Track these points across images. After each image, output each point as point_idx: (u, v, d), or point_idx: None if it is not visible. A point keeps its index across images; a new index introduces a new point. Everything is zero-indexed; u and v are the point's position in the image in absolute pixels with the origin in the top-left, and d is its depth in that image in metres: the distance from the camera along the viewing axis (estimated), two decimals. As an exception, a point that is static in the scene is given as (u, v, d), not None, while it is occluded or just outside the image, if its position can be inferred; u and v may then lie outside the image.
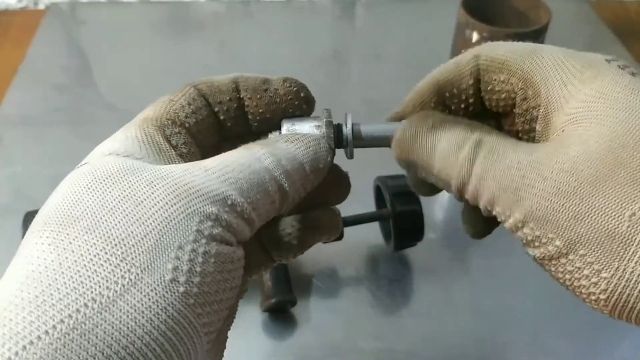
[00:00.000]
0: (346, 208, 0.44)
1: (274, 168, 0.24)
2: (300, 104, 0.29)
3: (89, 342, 0.19)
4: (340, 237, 0.43)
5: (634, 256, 0.22)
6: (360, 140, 0.28)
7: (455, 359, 0.41)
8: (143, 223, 0.21)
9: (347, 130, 0.28)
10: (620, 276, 0.23)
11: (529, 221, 0.24)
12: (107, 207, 0.22)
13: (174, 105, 0.28)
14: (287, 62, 0.68)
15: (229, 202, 0.23)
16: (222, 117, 0.29)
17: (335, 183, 0.29)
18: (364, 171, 0.54)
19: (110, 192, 0.22)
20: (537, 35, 0.48)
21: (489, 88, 0.27)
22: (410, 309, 0.44)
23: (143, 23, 0.75)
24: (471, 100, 0.28)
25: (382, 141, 0.27)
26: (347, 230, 0.43)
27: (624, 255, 0.23)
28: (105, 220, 0.21)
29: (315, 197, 0.28)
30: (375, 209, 0.47)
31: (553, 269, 0.24)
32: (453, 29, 0.51)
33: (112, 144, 0.25)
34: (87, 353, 0.19)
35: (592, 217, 0.23)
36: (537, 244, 0.24)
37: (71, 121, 0.59)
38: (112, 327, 0.19)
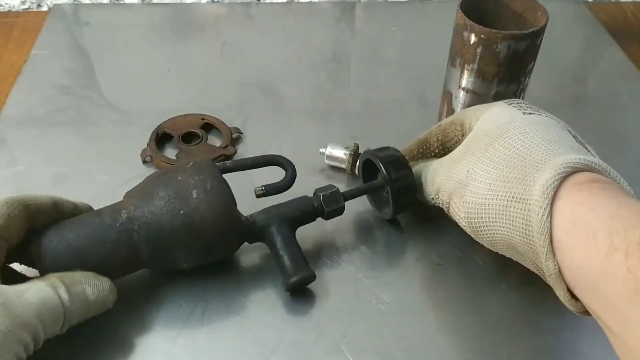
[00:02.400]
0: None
1: (70, 313, 0.36)
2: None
3: None
4: (341, 211, 0.46)
5: (469, 193, 0.39)
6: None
7: (453, 356, 0.42)
8: None
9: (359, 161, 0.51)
10: (465, 205, 0.40)
11: (439, 191, 0.43)
12: None
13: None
14: (287, 64, 0.69)
15: (36, 334, 0.34)
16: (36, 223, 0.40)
17: None
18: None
19: None
20: (535, 37, 0.49)
21: (447, 138, 0.47)
22: (409, 306, 0.45)
23: (145, 25, 0.75)
24: (436, 145, 0.48)
25: None
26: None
27: (464, 193, 0.40)
28: None
29: None
30: (363, 182, 0.51)
31: (450, 215, 0.43)
32: (451, 31, 0.52)
33: None
34: None
35: (452, 176, 0.41)
36: (444, 203, 0.43)
37: (74, 122, 0.60)
38: None
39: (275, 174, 0.47)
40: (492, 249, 0.41)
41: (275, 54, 0.70)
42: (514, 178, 0.36)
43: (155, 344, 0.42)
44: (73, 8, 0.77)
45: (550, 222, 0.33)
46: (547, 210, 0.33)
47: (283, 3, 0.80)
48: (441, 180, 0.43)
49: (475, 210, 0.39)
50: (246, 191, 0.45)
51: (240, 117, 0.61)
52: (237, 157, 0.56)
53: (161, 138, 0.57)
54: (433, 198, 0.44)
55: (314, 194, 0.46)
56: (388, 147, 0.48)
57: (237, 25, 0.76)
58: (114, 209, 0.41)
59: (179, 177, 0.41)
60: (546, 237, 0.33)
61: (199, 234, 0.41)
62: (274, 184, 0.46)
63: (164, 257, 0.42)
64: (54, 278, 0.37)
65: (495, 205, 0.37)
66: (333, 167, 0.55)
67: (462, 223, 0.41)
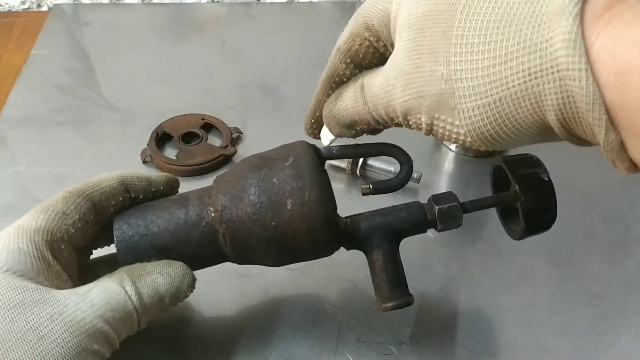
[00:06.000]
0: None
1: (142, 308, 0.33)
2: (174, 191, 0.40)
3: None
4: (457, 227, 0.39)
5: (462, 100, 0.30)
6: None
7: (452, 356, 0.42)
8: (44, 357, 0.29)
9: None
10: (464, 116, 0.30)
11: (410, 114, 0.32)
12: (13, 338, 0.29)
13: (66, 219, 0.35)
14: (287, 64, 0.69)
15: (107, 338, 0.31)
16: (109, 216, 0.37)
17: None
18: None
19: (15, 322, 0.29)
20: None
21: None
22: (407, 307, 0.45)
23: (145, 24, 0.75)
24: (349, 73, 0.37)
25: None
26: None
27: (455, 103, 0.30)
28: (12, 351, 0.28)
29: None
30: (492, 192, 0.43)
31: (436, 136, 0.33)
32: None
33: (6, 256, 0.32)
34: None
35: (423, 90, 0.31)
36: (421, 124, 0.32)
37: (74, 122, 0.60)
38: None
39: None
40: (511, 147, 0.33)
41: (275, 54, 0.70)
42: (515, 51, 0.27)
43: (152, 344, 0.41)
44: (73, 8, 0.77)
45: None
46: (588, 71, 0.25)
47: (283, 3, 0.80)
48: (405, 101, 0.32)
49: (483, 116, 0.29)
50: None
51: (240, 117, 0.60)
52: (236, 157, 0.56)
53: (161, 138, 0.57)
54: (397, 122, 0.34)
55: (428, 201, 0.39)
56: (528, 155, 0.40)
57: (237, 25, 0.76)
58: (202, 201, 0.37)
59: (274, 180, 0.37)
60: (600, 105, 0.25)
61: (289, 247, 0.37)
62: (384, 182, 0.40)
63: (251, 261, 0.39)
64: (122, 272, 0.34)
65: (509, 95, 0.28)
66: (333, 167, 0.55)
67: (466, 139, 0.31)
